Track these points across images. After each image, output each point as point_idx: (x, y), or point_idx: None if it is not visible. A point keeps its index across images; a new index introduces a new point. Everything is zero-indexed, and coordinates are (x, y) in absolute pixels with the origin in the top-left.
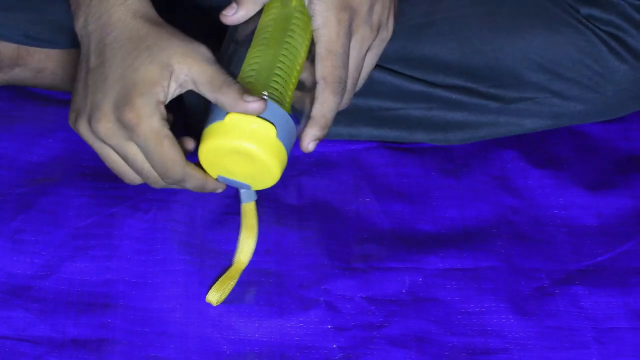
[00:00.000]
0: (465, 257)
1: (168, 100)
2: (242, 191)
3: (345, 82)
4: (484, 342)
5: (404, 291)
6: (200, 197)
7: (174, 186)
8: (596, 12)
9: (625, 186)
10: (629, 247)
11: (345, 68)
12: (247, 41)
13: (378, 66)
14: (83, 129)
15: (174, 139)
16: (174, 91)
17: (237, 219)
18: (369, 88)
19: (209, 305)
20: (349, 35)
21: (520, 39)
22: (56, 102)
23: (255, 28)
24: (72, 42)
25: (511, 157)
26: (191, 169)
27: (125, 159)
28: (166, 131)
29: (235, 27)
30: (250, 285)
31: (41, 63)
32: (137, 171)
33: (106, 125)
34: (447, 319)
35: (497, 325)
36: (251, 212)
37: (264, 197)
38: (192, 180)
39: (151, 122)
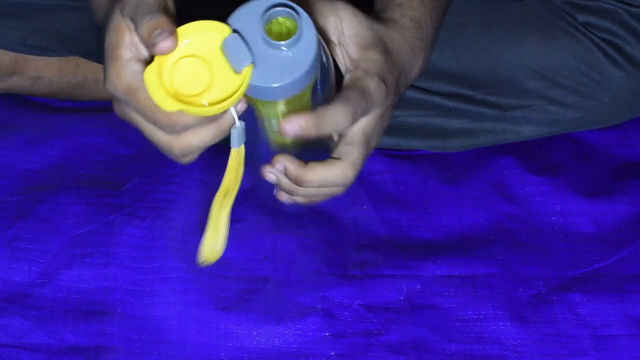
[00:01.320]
0: (463, 264)
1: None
2: (235, 129)
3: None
4: (482, 349)
5: (401, 298)
6: (198, 205)
7: (192, 154)
8: (593, 20)
9: (622, 193)
10: (626, 253)
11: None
12: None
13: None
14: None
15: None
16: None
17: (234, 226)
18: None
19: (207, 312)
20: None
21: (517, 47)
22: (53, 110)
23: None
24: (69, 50)
25: (508, 164)
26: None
27: (139, 130)
28: (137, 83)
29: None
30: (247, 293)
31: (38, 71)
32: (149, 138)
33: (113, 106)
34: (444, 326)
35: (494, 332)
36: (241, 159)
37: (261, 205)
38: (187, 121)
39: (121, 81)
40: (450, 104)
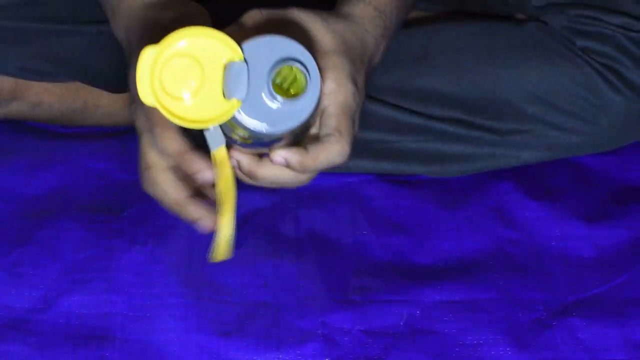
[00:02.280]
0: (463, 289)
1: None
2: (208, 133)
3: (351, 145)
4: None
5: (401, 324)
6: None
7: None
8: (592, 44)
9: (621, 217)
10: (626, 278)
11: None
12: None
13: (374, 98)
14: None
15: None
16: None
17: (234, 251)
18: (365, 120)
19: (207, 338)
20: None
21: (516, 71)
22: (53, 135)
23: None
24: (69, 75)
25: (508, 189)
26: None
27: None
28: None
29: None
30: (247, 318)
31: (39, 96)
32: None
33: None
34: (444, 352)
35: (494, 357)
36: (225, 161)
37: (260, 230)
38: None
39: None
40: (450, 128)
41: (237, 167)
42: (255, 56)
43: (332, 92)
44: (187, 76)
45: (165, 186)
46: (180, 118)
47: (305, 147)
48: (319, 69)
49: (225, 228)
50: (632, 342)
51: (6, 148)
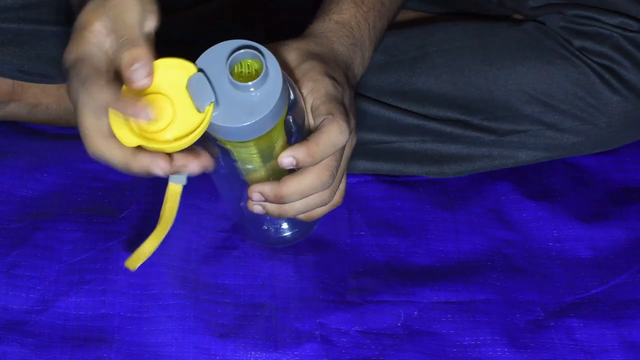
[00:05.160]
0: (460, 290)
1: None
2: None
3: (350, 125)
4: None
5: (399, 324)
6: (195, 232)
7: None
8: (589, 44)
9: (619, 218)
10: (623, 279)
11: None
12: None
13: (371, 99)
14: None
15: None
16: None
17: (232, 253)
18: (363, 122)
19: (205, 339)
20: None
21: (514, 72)
22: (51, 137)
23: None
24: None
25: (505, 190)
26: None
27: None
28: (89, 56)
29: None
30: (245, 319)
31: (36, 98)
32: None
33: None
34: (442, 352)
35: (492, 358)
36: (177, 196)
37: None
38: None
39: (77, 50)
40: (447, 129)
41: (264, 200)
42: (210, 64)
43: (312, 89)
44: (159, 110)
45: (109, 149)
46: (166, 143)
47: (306, 139)
48: (294, 81)
49: (149, 245)
50: (629, 342)
51: (3, 150)
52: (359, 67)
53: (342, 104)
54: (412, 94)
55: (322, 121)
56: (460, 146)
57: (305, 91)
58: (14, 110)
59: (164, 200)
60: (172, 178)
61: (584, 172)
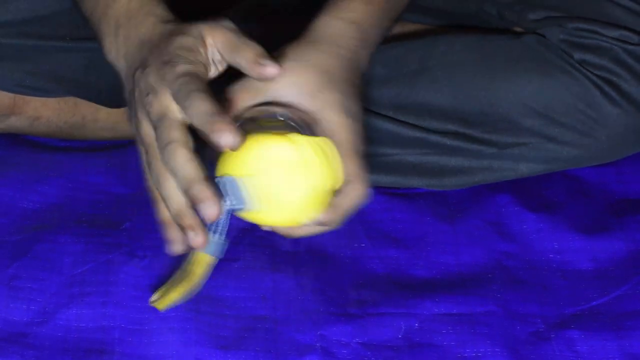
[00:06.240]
0: (461, 302)
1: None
2: (212, 239)
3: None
4: None
5: (399, 336)
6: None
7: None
8: (589, 57)
9: (619, 230)
10: (623, 291)
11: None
12: None
13: (373, 112)
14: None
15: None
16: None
17: (232, 265)
18: (364, 134)
19: (206, 351)
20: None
21: (514, 85)
22: (52, 149)
23: None
24: (67, 91)
25: (505, 202)
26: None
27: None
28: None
29: None
30: (246, 331)
31: (37, 111)
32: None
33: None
34: None
35: None
36: (204, 265)
37: (259, 244)
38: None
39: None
40: (448, 142)
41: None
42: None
43: (331, 132)
44: None
45: (183, 161)
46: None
47: (330, 204)
48: (310, 109)
49: (175, 295)
50: (630, 354)
51: (5, 162)
52: (365, 65)
53: (358, 151)
54: (413, 107)
55: (346, 186)
56: (460, 159)
57: (323, 132)
58: (15, 123)
59: (192, 261)
60: (207, 250)
61: (584, 183)
